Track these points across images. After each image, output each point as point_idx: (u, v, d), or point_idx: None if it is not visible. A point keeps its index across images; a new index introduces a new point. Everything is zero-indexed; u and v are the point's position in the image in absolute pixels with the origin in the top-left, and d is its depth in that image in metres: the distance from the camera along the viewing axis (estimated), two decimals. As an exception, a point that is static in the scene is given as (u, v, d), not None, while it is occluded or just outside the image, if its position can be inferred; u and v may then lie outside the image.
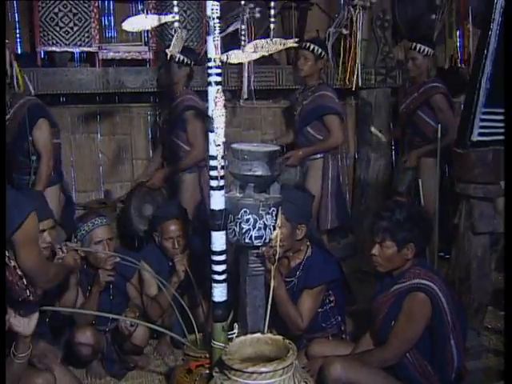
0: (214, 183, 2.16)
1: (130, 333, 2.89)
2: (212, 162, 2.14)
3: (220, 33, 2.06)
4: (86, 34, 4.00)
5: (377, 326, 2.62)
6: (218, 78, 2.09)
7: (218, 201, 2.17)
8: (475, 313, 3.11)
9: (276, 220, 2.32)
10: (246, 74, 2.76)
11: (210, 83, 2.10)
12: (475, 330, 3.08)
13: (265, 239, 2.31)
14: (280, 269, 2.81)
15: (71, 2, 3.92)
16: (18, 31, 4.22)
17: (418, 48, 4.13)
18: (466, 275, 3.08)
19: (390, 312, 2.54)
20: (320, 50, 4.04)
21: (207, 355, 2.38)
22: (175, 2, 2.13)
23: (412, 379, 2.50)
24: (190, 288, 3.01)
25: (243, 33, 3.69)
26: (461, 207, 3.05)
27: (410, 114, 4.24)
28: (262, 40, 2.35)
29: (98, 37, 4.02)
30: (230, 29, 2.43)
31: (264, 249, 2.33)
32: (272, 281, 2.35)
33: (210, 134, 2.12)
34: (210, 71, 2.09)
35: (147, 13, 3.24)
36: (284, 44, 2.57)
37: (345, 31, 4.26)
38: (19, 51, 4.23)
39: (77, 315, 2.95)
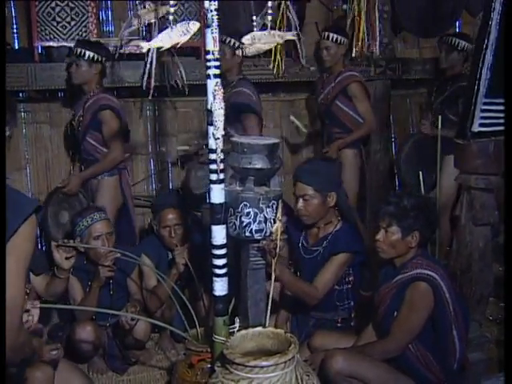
0: (213, 177, 2.14)
1: (131, 327, 2.88)
2: (211, 156, 2.13)
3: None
4: (84, 29, 3.96)
5: (379, 317, 2.62)
6: (217, 71, 2.07)
7: (217, 194, 2.16)
8: (477, 304, 3.11)
9: (276, 213, 2.32)
10: (148, 66, 2.48)
11: (208, 76, 2.08)
12: (477, 321, 3.08)
13: (265, 232, 2.31)
14: (308, 238, 2.94)
15: (68, -4, 3.90)
16: (15, 26, 4.19)
17: (330, 37, 3.99)
18: (467, 266, 3.08)
19: (393, 303, 2.54)
20: (237, 44, 3.67)
21: (209, 349, 2.37)
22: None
23: (414, 370, 2.49)
24: (191, 282, 3.00)
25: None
26: (462, 198, 3.04)
27: (328, 104, 4.12)
28: (260, 32, 2.33)
29: (95, 31, 3.98)
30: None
31: (264, 242, 2.33)
32: (272, 274, 2.34)
33: (209, 127, 2.11)
34: (208, 64, 2.07)
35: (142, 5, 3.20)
36: (282, 37, 2.53)
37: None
38: (16, 46, 4.21)
39: (77, 311, 2.94)
